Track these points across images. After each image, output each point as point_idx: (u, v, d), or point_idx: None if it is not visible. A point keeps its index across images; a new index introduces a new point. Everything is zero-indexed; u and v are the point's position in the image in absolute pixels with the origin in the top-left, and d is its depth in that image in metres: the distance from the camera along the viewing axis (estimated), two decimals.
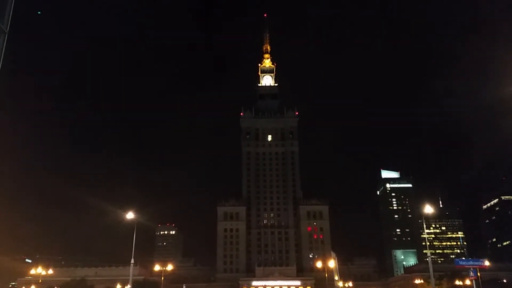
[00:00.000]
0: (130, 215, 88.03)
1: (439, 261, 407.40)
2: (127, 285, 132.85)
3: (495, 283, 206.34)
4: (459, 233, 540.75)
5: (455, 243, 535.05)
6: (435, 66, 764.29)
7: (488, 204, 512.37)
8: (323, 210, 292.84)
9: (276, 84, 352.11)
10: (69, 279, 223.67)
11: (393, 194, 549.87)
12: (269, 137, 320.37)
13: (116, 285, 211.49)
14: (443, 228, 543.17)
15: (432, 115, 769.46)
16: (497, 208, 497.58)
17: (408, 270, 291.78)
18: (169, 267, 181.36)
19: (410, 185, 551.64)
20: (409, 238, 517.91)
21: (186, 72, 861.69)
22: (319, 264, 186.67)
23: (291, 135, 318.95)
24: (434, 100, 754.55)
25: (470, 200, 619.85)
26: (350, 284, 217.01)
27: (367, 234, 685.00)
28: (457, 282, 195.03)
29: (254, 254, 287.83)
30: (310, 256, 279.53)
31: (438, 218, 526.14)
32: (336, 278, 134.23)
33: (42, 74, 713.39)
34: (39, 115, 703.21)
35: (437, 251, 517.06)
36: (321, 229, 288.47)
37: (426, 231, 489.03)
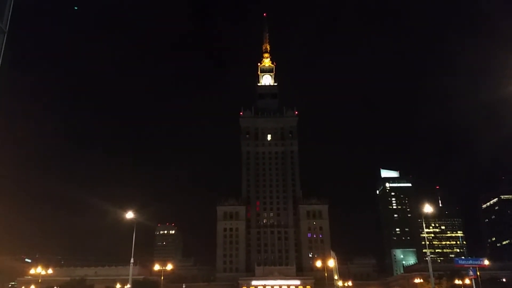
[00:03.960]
0: (129, 215, 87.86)
1: (439, 260, 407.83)
2: (126, 285, 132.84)
3: (495, 282, 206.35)
4: (459, 232, 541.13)
5: (454, 243, 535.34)
6: (435, 66, 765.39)
7: (488, 204, 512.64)
8: (322, 210, 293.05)
9: (275, 84, 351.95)
10: (68, 278, 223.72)
11: (392, 194, 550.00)
12: (269, 137, 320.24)
13: (116, 284, 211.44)
14: (443, 227, 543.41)
15: (432, 114, 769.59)
16: (497, 208, 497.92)
17: (408, 269, 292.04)
18: (169, 266, 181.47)
19: (409, 185, 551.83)
20: (408, 238, 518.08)
21: (185, 71, 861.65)
22: (318, 264, 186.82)
23: (290, 135, 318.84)
24: (433, 99, 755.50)
25: (469, 200, 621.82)
26: (350, 283, 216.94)
27: (366, 234, 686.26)
28: (457, 281, 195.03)
29: (254, 254, 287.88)
30: (310, 255, 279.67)
31: (437, 217, 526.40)
32: (336, 277, 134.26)
33: (41, 74, 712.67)
34: (39, 114, 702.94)
35: (436, 250, 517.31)
36: (321, 228, 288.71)
37: (426, 230, 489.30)
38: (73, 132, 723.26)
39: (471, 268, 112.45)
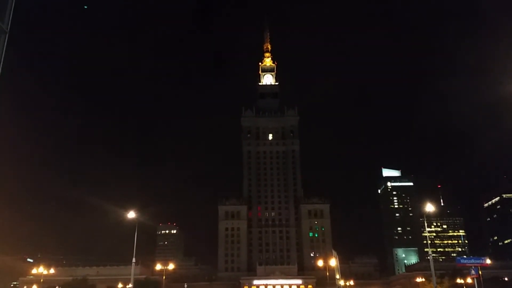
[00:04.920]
0: (131, 215, 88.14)
1: (441, 260, 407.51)
2: (128, 284, 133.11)
3: (497, 281, 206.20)
4: (460, 231, 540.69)
5: (456, 242, 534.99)
6: (436, 65, 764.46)
7: (489, 202, 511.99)
8: (324, 209, 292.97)
9: (276, 83, 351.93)
10: (70, 278, 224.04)
11: (394, 193, 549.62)
12: (270, 136, 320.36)
13: (118, 284, 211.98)
14: (444, 226, 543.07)
15: (433, 113, 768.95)
16: (498, 206, 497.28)
17: (410, 268, 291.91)
18: (171, 266, 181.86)
19: (411, 184, 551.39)
20: (410, 237, 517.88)
21: (185, 71, 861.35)
22: (320, 263, 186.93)
23: (291, 134, 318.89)
24: (435, 98, 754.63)
25: (471, 198, 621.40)
26: (352, 282, 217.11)
27: (368, 233, 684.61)
28: (459, 281, 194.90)
29: (255, 253, 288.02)
30: (311, 254, 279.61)
31: (439, 216, 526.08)
32: (337, 276, 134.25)
33: (42, 74, 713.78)
34: (40, 114, 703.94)
35: (438, 249, 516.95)
36: (322, 227, 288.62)
37: (427, 229, 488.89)
38: (74, 132, 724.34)
39: (473, 267, 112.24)
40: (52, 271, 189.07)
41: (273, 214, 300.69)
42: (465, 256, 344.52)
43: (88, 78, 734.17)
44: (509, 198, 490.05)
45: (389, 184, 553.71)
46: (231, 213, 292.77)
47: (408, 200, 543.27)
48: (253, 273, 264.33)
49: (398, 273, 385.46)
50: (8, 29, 29.28)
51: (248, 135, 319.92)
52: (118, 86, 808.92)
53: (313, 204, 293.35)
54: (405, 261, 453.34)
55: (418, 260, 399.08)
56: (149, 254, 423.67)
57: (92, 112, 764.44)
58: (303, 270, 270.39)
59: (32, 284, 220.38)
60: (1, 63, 28.25)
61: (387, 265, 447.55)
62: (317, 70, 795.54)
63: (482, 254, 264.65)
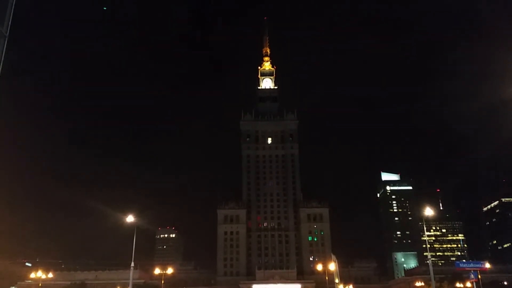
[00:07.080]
0: (130, 218, 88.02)
1: (440, 264, 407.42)
2: None
3: (496, 286, 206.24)
4: (460, 235, 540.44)
5: (455, 246, 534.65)
6: (435, 67, 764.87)
7: (489, 206, 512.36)
8: (323, 213, 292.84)
9: (276, 87, 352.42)
10: (69, 282, 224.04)
11: (393, 197, 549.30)
12: (269, 140, 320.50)
13: None
14: (444, 230, 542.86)
15: (433, 117, 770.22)
16: (498, 210, 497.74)
17: (409, 272, 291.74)
18: (169, 270, 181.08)
19: (410, 188, 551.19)
20: (409, 241, 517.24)
21: (185, 74, 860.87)
22: (319, 267, 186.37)
23: (291, 138, 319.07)
24: (434, 102, 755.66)
25: (470, 202, 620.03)
26: (351, 286, 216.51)
27: (367, 237, 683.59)
28: (458, 285, 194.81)
29: (255, 257, 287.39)
30: (311, 259, 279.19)
31: (438, 220, 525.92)
32: (337, 281, 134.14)
33: (41, 76, 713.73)
34: (39, 117, 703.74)
35: (437, 253, 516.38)
36: (321, 231, 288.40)
37: (427, 233, 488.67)
38: (73, 134, 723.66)
39: (472, 271, 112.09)
40: (50, 275, 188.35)
41: (272, 218, 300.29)
42: (464, 260, 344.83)
43: (86, 81, 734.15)
44: (508, 202, 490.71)
45: (388, 188, 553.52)
46: (230, 217, 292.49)
47: (407, 204, 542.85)
48: (252, 277, 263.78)
49: (398, 277, 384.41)
50: (8, 33, 29.35)
51: (247, 139, 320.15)
52: (117, 89, 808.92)
53: (312, 208, 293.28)
54: (405, 265, 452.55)
55: (417, 264, 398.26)
56: (148, 258, 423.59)
57: (90, 115, 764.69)
58: (302, 274, 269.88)
59: None
60: (0, 66, 28.31)
61: (386, 269, 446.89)
62: (316, 74, 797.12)
63: (481, 258, 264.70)
